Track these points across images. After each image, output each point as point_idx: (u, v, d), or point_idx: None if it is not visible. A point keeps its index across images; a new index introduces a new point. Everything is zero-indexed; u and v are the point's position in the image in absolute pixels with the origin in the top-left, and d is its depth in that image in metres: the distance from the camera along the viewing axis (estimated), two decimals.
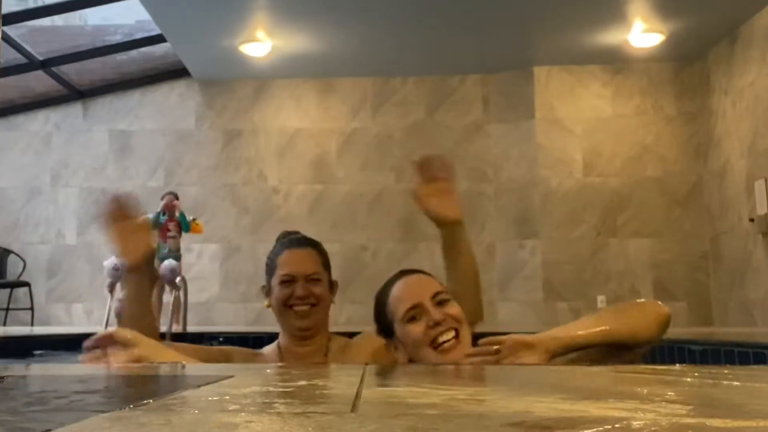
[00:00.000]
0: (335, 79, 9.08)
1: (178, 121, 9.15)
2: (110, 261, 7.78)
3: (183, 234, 7.44)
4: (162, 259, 7.40)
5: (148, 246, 2.01)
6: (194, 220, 7.57)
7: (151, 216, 7.43)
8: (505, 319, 8.30)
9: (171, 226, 7.30)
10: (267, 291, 2.18)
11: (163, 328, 6.49)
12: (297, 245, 2.19)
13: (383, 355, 1.94)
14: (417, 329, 1.78)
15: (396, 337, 1.86)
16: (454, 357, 1.76)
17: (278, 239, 2.23)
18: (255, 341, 5.28)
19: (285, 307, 2.10)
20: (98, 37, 9.16)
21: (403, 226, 8.72)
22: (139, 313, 1.99)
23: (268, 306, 2.17)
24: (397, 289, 1.88)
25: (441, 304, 1.82)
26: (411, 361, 1.83)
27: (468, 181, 8.75)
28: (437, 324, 1.77)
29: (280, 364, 2.06)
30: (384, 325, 1.90)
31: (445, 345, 1.76)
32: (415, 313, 1.80)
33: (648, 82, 8.73)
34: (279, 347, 2.18)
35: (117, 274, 7.76)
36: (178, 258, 7.38)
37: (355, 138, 9.08)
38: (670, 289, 8.43)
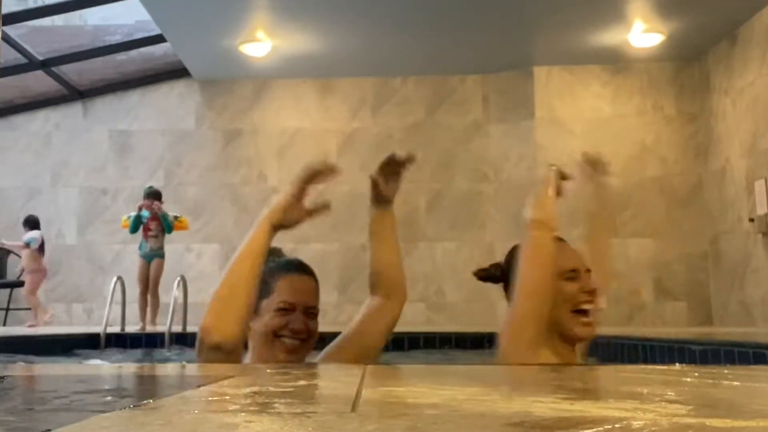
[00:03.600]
0: (335, 79, 9.08)
1: (178, 121, 9.15)
2: (29, 235, 7.94)
3: (166, 234, 7.47)
4: (144, 257, 7.40)
5: (299, 218, 2.02)
6: (177, 217, 7.59)
7: (132, 215, 7.44)
8: None
9: (152, 225, 7.32)
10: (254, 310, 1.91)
11: (163, 328, 6.48)
12: (300, 271, 2.02)
13: None
14: (572, 287, 1.97)
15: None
16: (585, 332, 1.97)
17: (271, 255, 1.96)
18: None
19: (273, 336, 1.89)
20: (98, 37, 9.17)
21: (402, 226, 8.69)
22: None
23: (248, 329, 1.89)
24: (565, 250, 2.05)
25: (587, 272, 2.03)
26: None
27: (468, 181, 8.75)
28: (588, 293, 1.98)
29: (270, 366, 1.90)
30: None
31: (583, 319, 1.96)
32: (574, 276, 2.00)
33: (648, 82, 8.73)
34: None
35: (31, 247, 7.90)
36: (161, 256, 7.41)
37: (355, 138, 9.08)
38: (670, 289, 8.43)
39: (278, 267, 1.99)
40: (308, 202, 2.02)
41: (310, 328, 1.93)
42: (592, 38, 7.96)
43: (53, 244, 8.82)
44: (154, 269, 7.37)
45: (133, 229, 7.37)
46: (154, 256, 7.38)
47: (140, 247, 7.43)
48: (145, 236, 7.37)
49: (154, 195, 7.42)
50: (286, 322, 1.89)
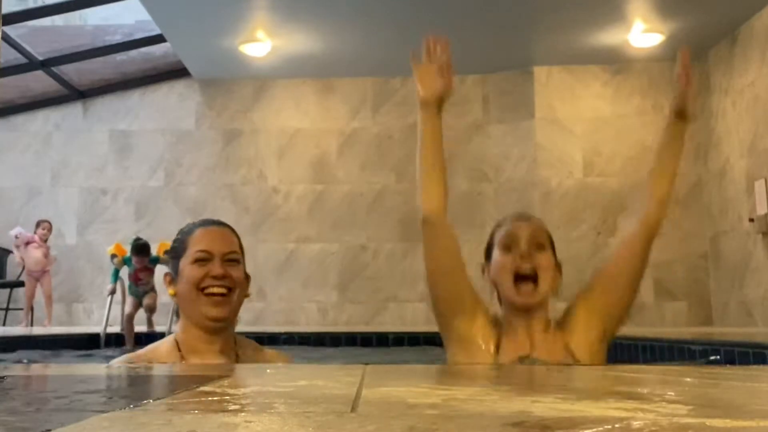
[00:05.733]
0: (335, 79, 9.08)
1: (178, 121, 9.16)
2: (17, 230, 7.97)
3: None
4: (135, 295, 6.85)
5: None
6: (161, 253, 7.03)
7: (114, 262, 6.98)
8: None
9: (142, 275, 6.77)
10: (172, 278, 1.95)
11: (163, 328, 6.48)
12: (211, 223, 2.03)
13: None
14: (505, 258, 2.01)
15: (488, 262, 2.08)
16: (526, 301, 1.99)
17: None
18: (255, 341, 5.27)
19: (197, 290, 1.88)
20: (98, 37, 9.17)
21: (403, 226, 8.72)
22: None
23: (173, 294, 1.93)
24: (507, 221, 2.11)
25: (537, 247, 2.03)
26: (494, 285, 2.06)
27: (468, 181, 8.75)
28: (523, 257, 2.00)
29: (181, 363, 1.87)
30: (487, 246, 2.12)
31: (523, 288, 1.99)
32: (510, 243, 2.02)
33: (648, 82, 8.72)
34: (177, 344, 1.93)
35: (18, 241, 7.97)
36: (154, 290, 6.84)
37: (355, 138, 9.08)
38: (670, 289, 8.43)
39: (190, 226, 2.02)
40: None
41: (232, 275, 1.92)
42: (592, 38, 7.96)
43: (53, 244, 8.83)
44: (147, 302, 6.85)
45: (124, 263, 6.88)
46: (147, 291, 6.86)
47: (129, 288, 6.96)
48: (136, 283, 6.89)
49: (142, 250, 6.74)
50: (206, 271, 1.90)
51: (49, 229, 8.24)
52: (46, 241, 8.24)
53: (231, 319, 1.94)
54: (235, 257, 1.96)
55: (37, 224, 8.24)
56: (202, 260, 1.91)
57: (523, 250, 2.00)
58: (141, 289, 6.76)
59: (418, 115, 2.14)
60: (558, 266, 2.09)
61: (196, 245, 1.93)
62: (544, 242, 2.05)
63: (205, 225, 2.01)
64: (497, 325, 2.07)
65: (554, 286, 2.05)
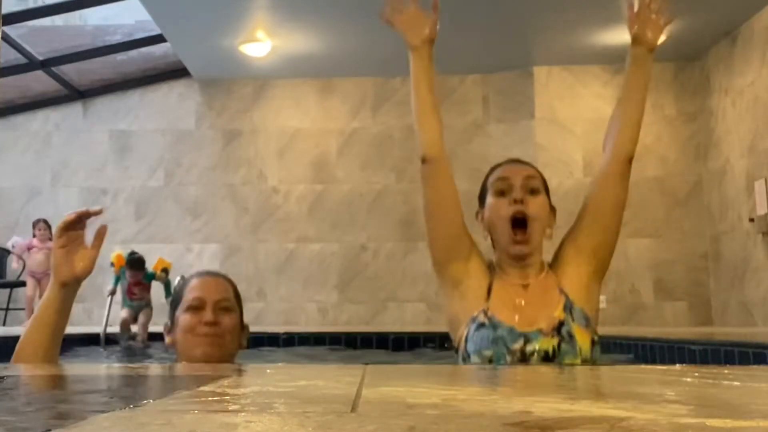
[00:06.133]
0: (335, 79, 9.08)
1: (178, 121, 9.16)
2: (13, 240, 7.94)
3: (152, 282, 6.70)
4: (131, 308, 6.63)
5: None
6: (161, 268, 6.78)
7: (113, 277, 6.80)
8: None
9: (136, 290, 6.61)
10: (169, 328, 2.03)
11: (161, 328, 6.44)
12: (206, 274, 2.11)
13: None
14: (499, 202, 2.05)
15: (482, 209, 2.12)
16: (520, 251, 2.01)
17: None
18: (254, 342, 5.27)
19: (190, 335, 1.95)
20: (98, 37, 9.17)
21: (403, 226, 8.72)
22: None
23: (171, 343, 2.00)
24: (500, 166, 2.15)
25: (530, 191, 2.05)
26: (488, 230, 2.10)
27: (468, 181, 8.70)
28: (517, 201, 2.01)
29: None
30: (481, 193, 2.16)
31: (517, 237, 2.01)
32: (503, 187, 2.05)
33: None
34: None
35: (15, 250, 7.96)
36: (149, 306, 6.60)
37: (355, 138, 9.08)
38: (670, 289, 8.43)
39: (189, 277, 2.11)
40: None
41: (223, 321, 1.96)
42: (592, 38, 7.96)
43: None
44: (142, 318, 6.53)
45: (118, 279, 6.72)
46: (143, 307, 6.60)
47: (124, 301, 6.69)
48: (130, 297, 6.70)
49: (135, 265, 6.58)
50: (199, 318, 1.95)
51: (47, 228, 8.23)
52: (50, 239, 8.22)
53: (224, 358, 1.98)
54: (227, 305, 2.00)
55: (34, 226, 8.20)
56: (195, 308, 1.97)
57: (517, 194, 2.02)
58: (135, 303, 6.54)
59: (410, 59, 2.23)
60: (552, 210, 2.13)
61: (190, 293, 2.01)
62: (537, 186, 2.08)
63: (201, 275, 2.09)
64: (491, 270, 2.10)
65: (548, 231, 2.08)
